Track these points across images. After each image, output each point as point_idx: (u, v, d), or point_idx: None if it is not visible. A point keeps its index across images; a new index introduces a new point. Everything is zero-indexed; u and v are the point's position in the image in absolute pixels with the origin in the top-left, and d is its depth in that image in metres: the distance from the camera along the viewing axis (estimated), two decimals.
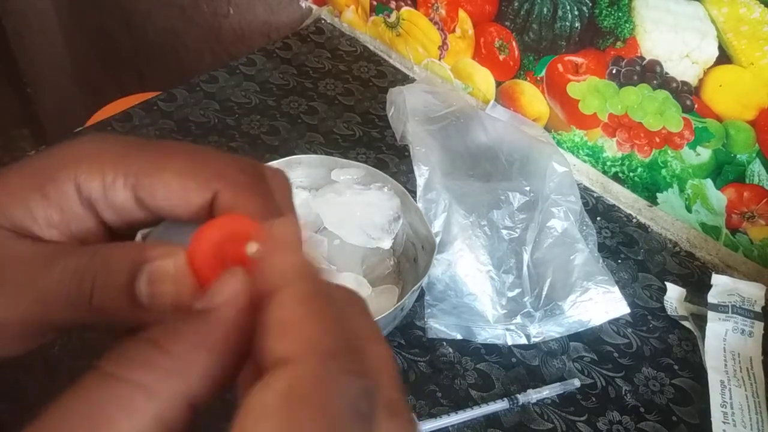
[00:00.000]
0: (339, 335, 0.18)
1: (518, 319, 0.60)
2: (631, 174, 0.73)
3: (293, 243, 0.20)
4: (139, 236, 0.26)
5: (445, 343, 0.60)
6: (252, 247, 0.20)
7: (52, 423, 0.18)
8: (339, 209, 0.61)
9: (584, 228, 0.68)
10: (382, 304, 0.57)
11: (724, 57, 0.60)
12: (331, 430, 0.17)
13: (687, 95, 0.65)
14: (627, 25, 0.65)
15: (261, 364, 0.18)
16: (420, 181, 0.65)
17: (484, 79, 0.81)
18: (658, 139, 0.69)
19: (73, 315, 0.23)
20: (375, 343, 0.21)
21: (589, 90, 0.71)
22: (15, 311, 0.23)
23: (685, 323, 0.64)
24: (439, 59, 0.84)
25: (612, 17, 0.66)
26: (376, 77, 0.86)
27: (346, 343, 0.18)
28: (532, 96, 0.77)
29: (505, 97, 0.80)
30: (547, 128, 0.78)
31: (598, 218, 0.73)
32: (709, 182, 0.68)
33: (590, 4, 0.67)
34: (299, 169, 0.63)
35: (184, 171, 0.24)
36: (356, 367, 0.18)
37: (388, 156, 0.75)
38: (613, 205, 0.75)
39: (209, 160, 0.25)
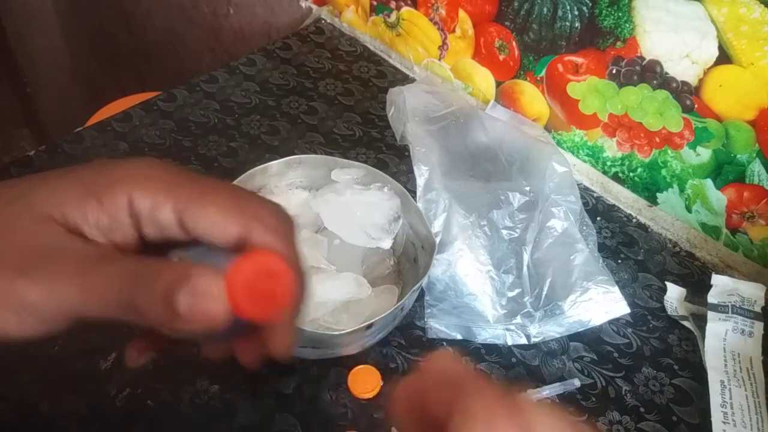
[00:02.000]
0: None
1: (518, 319, 0.60)
2: (631, 174, 0.73)
3: None
4: (175, 258, 0.28)
5: (445, 343, 0.60)
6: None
7: None
8: (339, 209, 0.61)
9: (584, 228, 0.68)
10: (382, 304, 0.57)
11: (724, 57, 0.60)
12: None
13: (687, 95, 0.65)
14: (627, 25, 0.65)
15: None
16: (420, 181, 0.65)
17: (484, 79, 0.81)
18: (658, 139, 0.69)
19: (113, 312, 0.26)
20: None
21: (589, 90, 0.71)
22: (57, 298, 0.26)
23: (685, 323, 0.64)
24: (439, 59, 0.84)
25: (612, 17, 0.66)
26: (376, 77, 0.86)
27: None
28: (532, 96, 0.77)
29: (505, 97, 0.80)
30: (547, 128, 0.78)
31: (598, 218, 0.73)
32: (709, 182, 0.68)
33: (590, 4, 0.67)
34: (299, 169, 0.63)
35: (227, 207, 0.28)
36: None
37: (388, 156, 0.75)
38: (613, 205, 0.75)
39: (249, 202, 0.29)
